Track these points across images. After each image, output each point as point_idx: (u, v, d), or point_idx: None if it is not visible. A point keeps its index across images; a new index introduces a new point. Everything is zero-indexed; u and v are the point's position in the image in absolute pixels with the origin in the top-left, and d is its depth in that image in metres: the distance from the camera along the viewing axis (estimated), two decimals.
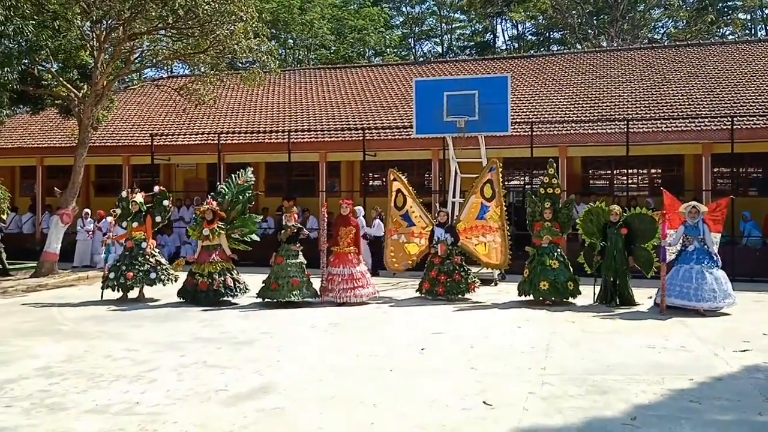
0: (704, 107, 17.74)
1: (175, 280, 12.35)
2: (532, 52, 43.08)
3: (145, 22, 16.15)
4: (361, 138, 18.54)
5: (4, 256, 16.77)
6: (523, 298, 11.68)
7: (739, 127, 16.00)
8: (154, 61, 18.95)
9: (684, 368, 6.98)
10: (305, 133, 19.98)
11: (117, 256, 14.79)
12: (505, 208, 12.81)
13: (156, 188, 12.97)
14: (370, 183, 21.35)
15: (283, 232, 11.68)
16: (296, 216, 12.03)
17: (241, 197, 12.34)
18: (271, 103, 23.51)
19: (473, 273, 12.56)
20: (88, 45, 17.09)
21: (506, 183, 19.78)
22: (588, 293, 11.54)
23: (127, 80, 19.26)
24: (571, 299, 11.48)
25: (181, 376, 6.73)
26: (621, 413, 5.47)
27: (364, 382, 6.49)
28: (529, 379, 6.53)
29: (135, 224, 12.41)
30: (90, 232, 18.75)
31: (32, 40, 14.39)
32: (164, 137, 20.74)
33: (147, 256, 12.25)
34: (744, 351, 7.80)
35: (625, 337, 8.71)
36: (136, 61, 18.63)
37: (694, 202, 11.20)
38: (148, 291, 12.47)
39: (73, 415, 5.53)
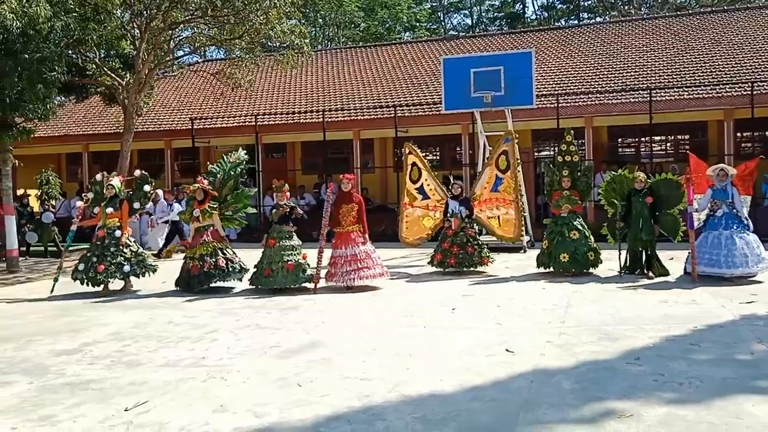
0: (726, 73, 18.11)
1: (154, 272, 11.45)
2: (562, 22, 43.27)
3: (182, 12, 17.00)
4: (392, 115, 19.26)
5: (59, 239, 17.84)
6: (542, 270, 11.55)
7: (759, 92, 16.38)
8: (192, 48, 19.82)
9: (691, 318, 7.67)
10: (339, 112, 20.76)
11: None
12: (521, 183, 12.87)
13: (137, 172, 12.02)
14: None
15: (274, 212, 11.00)
16: (288, 195, 11.25)
17: (232, 173, 11.68)
18: (305, 83, 24.30)
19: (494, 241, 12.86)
20: (128, 35, 18.01)
21: (535, 154, 20.46)
22: (611, 258, 11.42)
23: (168, 68, 20.15)
24: (592, 270, 11.28)
25: (238, 336, 7.60)
26: (627, 355, 6.19)
27: (400, 338, 7.28)
28: (548, 331, 7.28)
29: (110, 210, 11.24)
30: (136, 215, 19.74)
31: (78, 34, 15.22)
32: (203, 120, 21.67)
33: (121, 247, 11.14)
34: (750, 302, 8.43)
35: (641, 295, 9.37)
36: (176, 49, 19.52)
37: (722, 165, 10.80)
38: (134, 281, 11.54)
39: (149, 368, 6.40)
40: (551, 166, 11.93)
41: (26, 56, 13.19)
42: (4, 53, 13.23)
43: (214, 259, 10.87)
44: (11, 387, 5.95)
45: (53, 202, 20.30)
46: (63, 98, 21.50)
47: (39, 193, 19.94)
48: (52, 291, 11.07)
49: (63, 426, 4.92)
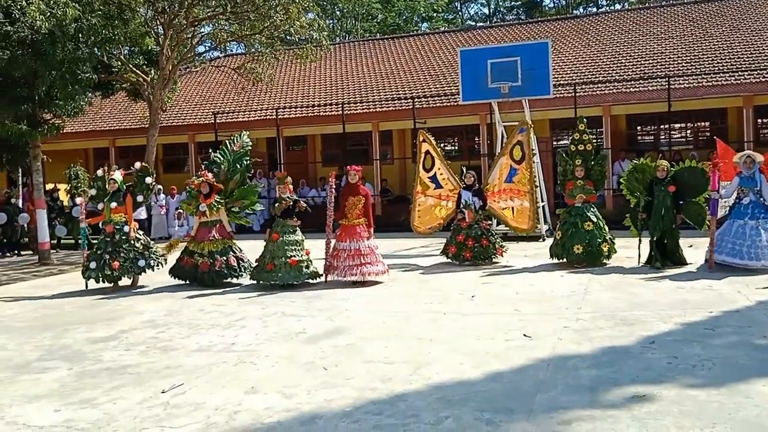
0: (745, 60, 18.10)
1: (165, 264, 11.27)
2: (580, 9, 43.15)
3: (204, 9, 17.32)
4: (411, 107, 19.47)
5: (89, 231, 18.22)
6: (555, 261, 11.40)
7: None
8: (214, 44, 20.16)
9: (706, 303, 7.84)
10: (358, 104, 21.00)
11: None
12: (536, 174, 12.79)
13: (137, 164, 11.75)
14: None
15: (277, 205, 10.63)
16: (291, 187, 10.95)
17: (238, 165, 11.28)
18: (325, 76, 24.58)
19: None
20: (152, 32, 18.37)
21: (554, 143, 20.56)
22: (628, 246, 11.43)
23: (190, 63, 20.52)
24: (606, 261, 11.11)
25: (265, 323, 7.90)
26: (642, 339, 6.38)
27: (422, 323, 7.54)
28: (565, 317, 7.49)
29: (114, 205, 10.97)
30: (162, 207, 20.17)
31: (104, 34, 15.52)
32: (226, 115, 22.02)
33: (132, 241, 10.98)
34: (766, 288, 8.55)
35: (657, 282, 9.51)
36: (198, 45, 19.87)
37: (749, 152, 10.58)
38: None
39: (183, 353, 6.71)
40: (564, 155, 11.69)
41: (57, 57, 13.49)
42: (33, 54, 13.57)
43: (225, 257, 10.73)
44: (52, 372, 6.27)
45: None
46: (90, 95, 21.87)
47: (68, 188, 20.37)
48: (86, 287, 11.04)
49: (103, 408, 5.21)
